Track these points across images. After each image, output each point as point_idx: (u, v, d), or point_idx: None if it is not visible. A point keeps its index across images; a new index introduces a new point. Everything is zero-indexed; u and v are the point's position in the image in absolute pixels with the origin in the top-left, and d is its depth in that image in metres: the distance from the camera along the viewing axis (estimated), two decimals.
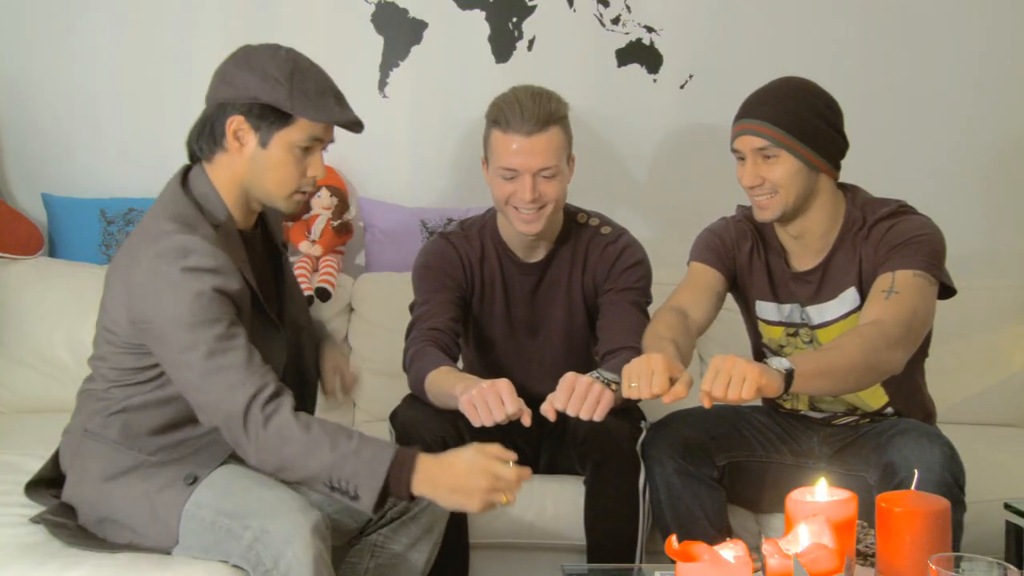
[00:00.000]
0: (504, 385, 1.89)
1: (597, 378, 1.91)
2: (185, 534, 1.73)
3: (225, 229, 1.78)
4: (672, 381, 1.75)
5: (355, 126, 1.80)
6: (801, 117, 1.98)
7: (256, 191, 1.80)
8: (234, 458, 1.81)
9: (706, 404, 1.71)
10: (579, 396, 1.86)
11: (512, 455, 1.72)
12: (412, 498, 1.68)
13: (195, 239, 1.69)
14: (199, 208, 1.77)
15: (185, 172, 1.83)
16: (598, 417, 1.87)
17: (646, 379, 1.74)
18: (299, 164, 1.78)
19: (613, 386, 1.92)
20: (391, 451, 1.66)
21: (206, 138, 1.78)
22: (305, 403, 2.02)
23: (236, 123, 1.74)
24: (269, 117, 1.73)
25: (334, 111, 1.76)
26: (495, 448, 1.71)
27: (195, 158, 1.83)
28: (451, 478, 1.66)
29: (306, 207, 2.80)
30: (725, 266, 2.15)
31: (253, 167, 1.77)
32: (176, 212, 1.74)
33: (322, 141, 1.79)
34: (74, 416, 1.88)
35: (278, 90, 1.71)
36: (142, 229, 1.77)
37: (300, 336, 1.97)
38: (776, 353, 2.15)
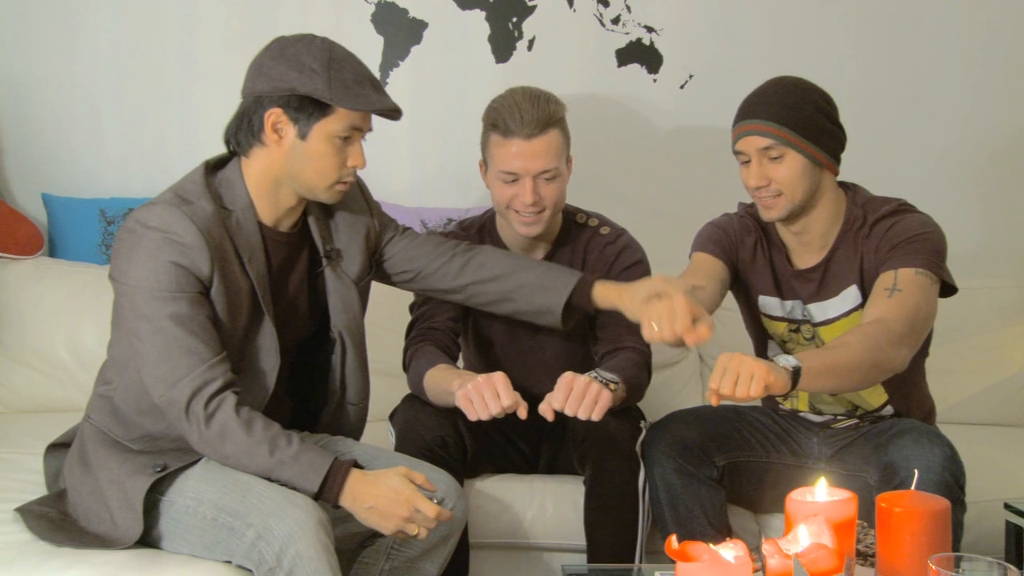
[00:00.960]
0: (499, 378, 1.90)
1: (595, 378, 1.91)
2: (187, 531, 1.73)
3: (241, 216, 1.78)
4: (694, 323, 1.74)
5: (394, 113, 1.80)
6: (803, 114, 1.98)
7: (295, 183, 1.80)
8: None
9: (713, 402, 1.70)
10: (577, 396, 1.87)
11: (435, 488, 1.76)
12: (338, 507, 1.71)
13: (177, 211, 1.70)
14: (213, 189, 1.77)
15: (221, 160, 1.84)
16: (596, 417, 1.87)
17: (668, 320, 1.73)
18: (339, 154, 1.78)
19: (612, 386, 1.92)
20: (328, 461, 1.69)
21: (244, 132, 1.78)
22: (342, 417, 2.01)
23: (275, 116, 1.74)
24: (308, 108, 1.73)
25: (372, 99, 1.76)
26: (422, 478, 1.74)
27: (234, 153, 1.83)
28: (373, 498, 1.69)
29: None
30: (728, 257, 2.15)
31: (292, 159, 1.77)
32: (182, 186, 1.77)
33: (361, 130, 1.80)
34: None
35: (316, 80, 1.71)
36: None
37: (346, 346, 1.95)
38: (781, 348, 2.15)
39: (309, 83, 1.71)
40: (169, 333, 1.67)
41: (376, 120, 1.88)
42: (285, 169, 1.78)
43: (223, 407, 1.67)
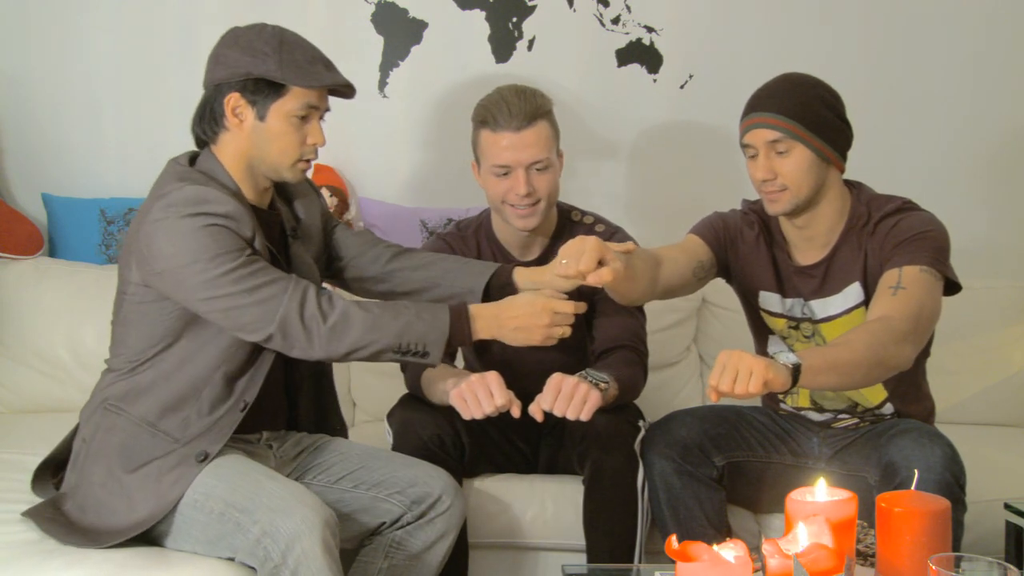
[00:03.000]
0: (493, 377, 1.91)
1: (585, 378, 1.93)
2: (192, 525, 1.74)
3: (236, 200, 1.81)
4: (602, 265, 1.77)
5: (347, 89, 1.86)
6: (812, 108, 1.99)
7: (261, 164, 1.85)
8: (242, 449, 1.84)
9: (713, 399, 1.70)
10: (565, 397, 1.89)
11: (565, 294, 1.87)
12: (472, 344, 1.85)
13: (208, 189, 1.76)
14: (209, 178, 1.82)
15: (192, 157, 1.88)
16: (584, 417, 1.90)
17: (575, 257, 1.76)
18: (298, 132, 1.83)
19: (602, 385, 1.95)
20: (446, 308, 1.80)
21: (207, 121, 1.84)
22: (322, 389, 2.05)
23: (233, 100, 1.80)
24: (263, 90, 1.80)
25: (323, 76, 1.82)
26: (548, 290, 1.89)
27: (201, 143, 1.88)
28: (513, 319, 1.82)
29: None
30: (718, 247, 2.16)
31: (255, 141, 1.83)
32: (186, 176, 1.80)
33: (318, 109, 1.85)
34: (93, 396, 1.89)
35: (268, 62, 1.78)
36: (152, 194, 1.81)
37: None
38: (782, 343, 2.16)
39: (262, 65, 1.78)
40: (248, 278, 1.72)
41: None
42: (251, 151, 1.84)
43: (335, 301, 1.75)
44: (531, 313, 1.81)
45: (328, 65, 1.84)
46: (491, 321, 1.82)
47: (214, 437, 1.79)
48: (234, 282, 1.71)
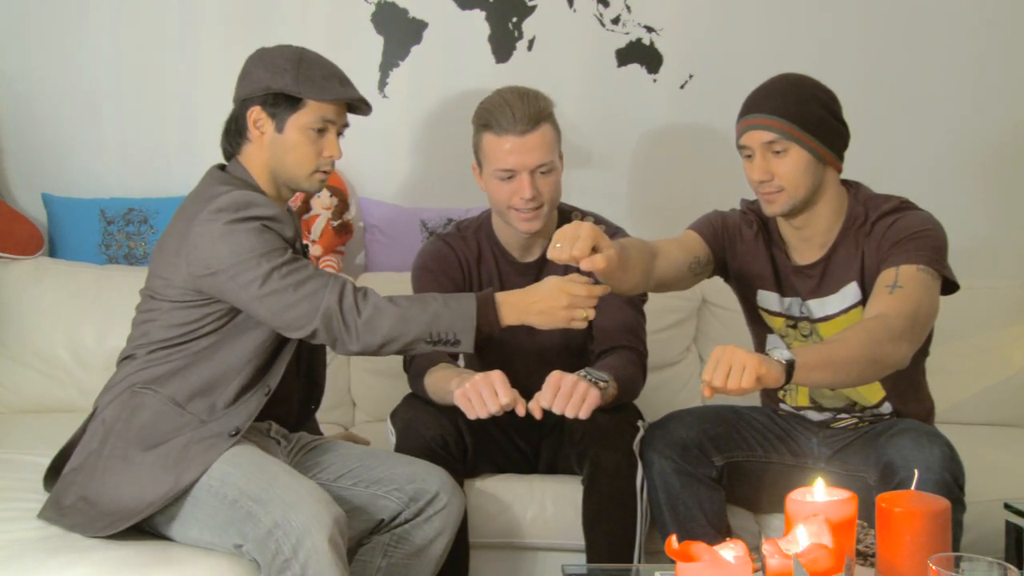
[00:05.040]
0: (497, 376, 1.91)
1: (585, 376, 1.94)
2: (202, 509, 1.76)
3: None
4: (596, 252, 1.77)
5: (361, 104, 1.94)
6: (808, 109, 1.98)
7: (281, 174, 1.93)
8: (255, 442, 1.88)
9: (707, 394, 1.70)
10: (564, 395, 1.89)
11: (586, 277, 1.87)
12: (501, 330, 1.88)
13: (253, 194, 1.85)
14: (247, 184, 1.90)
15: (220, 168, 1.95)
16: (583, 415, 1.90)
17: (570, 241, 1.76)
18: (314, 144, 1.91)
19: (601, 384, 1.95)
20: (472, 297, 1.86)
21: (233, 134, 1.94)
22: (312, 400, 2.10)
23: (255, 113, 1.90)
24: (281, 103, 1.89)
25: (338, 91, 1.90)
26: (572, 275, 1.89)
27: (229, 156, 1.96)
28: (536, 303, 1.87)
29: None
30: (716, 244, 2.16)
31: (274, 151, 1.91)
32: (228, 180, 1.89)
33: (335, 123, 1.92)
34: (114, 383, 1.91)
35: (286, 77, 1.88)
36: (196, 197, 1.88)
37: None
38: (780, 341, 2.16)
39: (280, 80, 1.88)
40: (293, 273, 1.81)
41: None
42: (271, 161, 1.92)
43: (369, 296, 1.83)
44: (550, 296, 1.86)
45: (344, 82, 1.92)
46: (516, 307, 1.87)
47: (240, 417, 1.85)
48: (282, 277, 1.80)
